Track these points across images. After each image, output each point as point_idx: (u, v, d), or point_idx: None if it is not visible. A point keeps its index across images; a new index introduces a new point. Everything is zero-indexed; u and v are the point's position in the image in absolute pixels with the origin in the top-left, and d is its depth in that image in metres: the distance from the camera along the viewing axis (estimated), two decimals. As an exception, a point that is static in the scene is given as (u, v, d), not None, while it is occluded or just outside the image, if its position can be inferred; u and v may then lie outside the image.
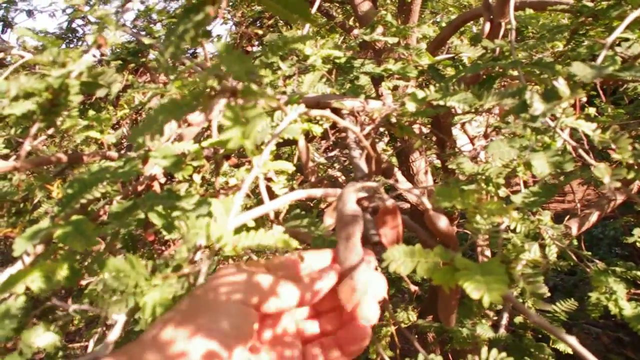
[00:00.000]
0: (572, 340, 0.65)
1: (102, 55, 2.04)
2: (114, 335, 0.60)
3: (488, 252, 1.93)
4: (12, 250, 0.79)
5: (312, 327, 0.61)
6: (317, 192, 0.70)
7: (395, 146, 2.22)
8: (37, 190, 1.06)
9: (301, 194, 0.69)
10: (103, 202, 1.05)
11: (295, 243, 0.66)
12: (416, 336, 2.73)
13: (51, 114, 0.58)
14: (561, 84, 0.65)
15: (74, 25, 2.31)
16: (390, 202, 0.75)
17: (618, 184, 0.76)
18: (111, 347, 0.60)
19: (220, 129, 1.12)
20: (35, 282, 0.69)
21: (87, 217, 0.79)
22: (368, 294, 0.59)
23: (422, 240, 0.86)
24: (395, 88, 1.59)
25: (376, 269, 0.67)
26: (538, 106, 0.66)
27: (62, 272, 0.72)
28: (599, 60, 0.76)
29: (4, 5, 2.77)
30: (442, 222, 0.74)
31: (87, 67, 0.62)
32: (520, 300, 1.49)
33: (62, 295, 2.27)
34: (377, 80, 1.66)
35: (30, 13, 2.99)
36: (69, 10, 2.38)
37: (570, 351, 1.77)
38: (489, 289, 0.58)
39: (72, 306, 0.73)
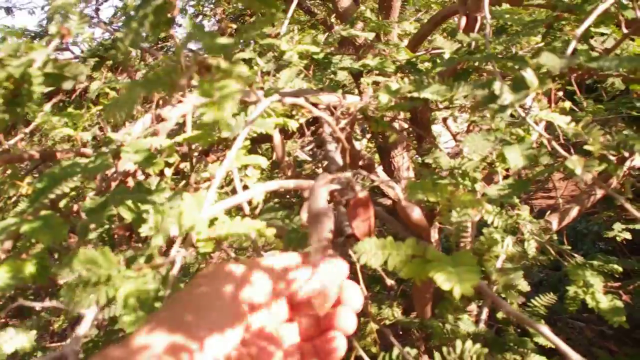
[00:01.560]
0: (545, 329, 0.65)
1: (82, 52, 2.03)
2: (82, 329, 0.59)
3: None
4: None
5: (293, 332, 0.59)
6: (290, 184, 0.70)
7: (376, 144, 2.22)
8: (7, 187, 1.05)
9: (274, 185, 0.68)
10: (77, 199, 1.04)
11: (271, 232, 0.65)
12: (400, 332, 2.73)
13: (13, 104, 0.57)
14: (529, 74, 0.65)
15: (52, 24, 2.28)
16: (362, 194, 0.75)
17: (590, 175, 0.76)
18: (80, 342, 0.59)
19: (195, 125, 1.11)
20: (1, 278, 0.68)
21: (57, 212, 0.78)
22: (345, 305, 0.58)
23: (396, 233, 0.86)
24: (376, 84, 1.59)
25: (354, 275, 0.65)
26: (507, 96, 0.66)
27: (29, 269, 0.70)
28: (569, 50, 0.76)
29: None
30: (415, 213, 0.74)
31: (51, 58, 0.61)
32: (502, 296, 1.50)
33: (44, 295, 2.24)
34: (357, 76, 1.66)
35: (9, 10, 2.95)
36: (47, 8, 2.36)
37: (552, 345, 1.79)
38: (459, 280, 0.58)
39: (39, 304, 0.72)
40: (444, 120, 2.19)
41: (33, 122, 1.51)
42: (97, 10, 1.94)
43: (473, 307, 2.35)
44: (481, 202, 0.75)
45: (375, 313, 2.94)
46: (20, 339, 0.89)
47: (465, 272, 0.60)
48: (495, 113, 0.67)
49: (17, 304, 0.75)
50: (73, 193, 0.96)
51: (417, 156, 2.28)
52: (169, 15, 0.52)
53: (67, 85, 0.66)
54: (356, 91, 1.83)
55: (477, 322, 1.64)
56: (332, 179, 0.74)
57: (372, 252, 0.66)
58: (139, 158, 0.84)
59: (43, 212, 0.76)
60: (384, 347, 1.77)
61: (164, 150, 0.92)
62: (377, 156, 2.44)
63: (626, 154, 0.74)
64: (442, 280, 0.59)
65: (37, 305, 0.67)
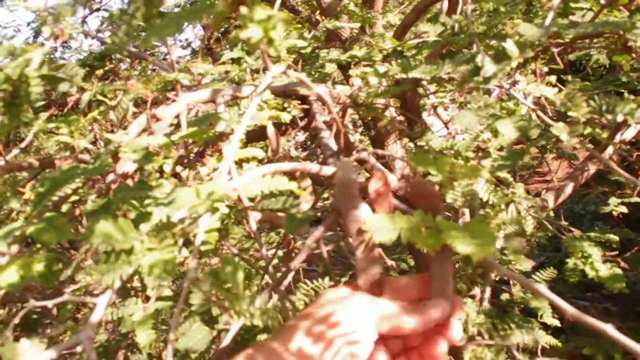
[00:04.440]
0: (541, 287, 0.67)
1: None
2: (96, 316, 0.61)
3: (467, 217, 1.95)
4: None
5: (397, 342, 0.65)
6: (287, 166, 0.72)
7: (370, 135, 2.24)
8: (10, 196, 1.06)
9: (270, 168, 0.70)
10: (78, 204, 1.05)
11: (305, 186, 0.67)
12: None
13: (13, 106, 0.59)
14: (509, 44, 0.67)
15: (40, 39, 2.30)
16: (378, 171, 0.77)
17: (575, 140, 0.78)
18: (94, 328, 0.60)
19: (189, 124, 1.13)
20: (8, 277, 0.69)
21: (60, 214, 0.80)
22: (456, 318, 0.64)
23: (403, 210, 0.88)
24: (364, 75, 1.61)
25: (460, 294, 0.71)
26: (489, 67, 0.68)
27: (38, 267, 0.72)
28: (547, 21, 0.78)
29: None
30: (428, 185, 0.75)
31: (47, 60, 0.63)
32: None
33: (50, 308, 2.25)
34: (345, 68, 1.68)
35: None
36: (33, 25, 2.37)
37: (558, 323, 1.81)
38: (477, 245, 0.59)
39: (51, 301, 0.73)
40: (434, 108, 2.21)
41: (28, 135, 1.53)
42: (84, 20, 1.96)
43: (477, 291, 2.37)
44: (481, 170, 0.77)
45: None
46: (37, 349, 0.89)
47: (480, 237, 0.61)
48: (480, 85, 0.69)
49: (30, 306, 0.76)
50: (75, 197, 0.98)
51: (409, 145, 2.29)
52: (158, 8, 0.53)
53: (64, 87, 0.68)
54: (346, 83, 1.85)
55: (480, 302, 1.66)
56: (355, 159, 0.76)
57: (384, 228, 0.66)
58: (137, 157, 0.86)
59: (47, 214, 0.78)
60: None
61: (162, 148, 0.93)
62: (370, 148, 2.46)
63: (609, 117, 0.76)
64: (462, 246, 0.59)
65: (50, 304, 0.68)
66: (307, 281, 1.43)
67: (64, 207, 1.03)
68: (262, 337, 1.19)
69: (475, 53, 0.72)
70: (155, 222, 0.68)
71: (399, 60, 0.88)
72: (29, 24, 2.47)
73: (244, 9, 0.47)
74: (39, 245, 0.86)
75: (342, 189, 0.69)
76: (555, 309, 0.64)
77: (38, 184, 0.84)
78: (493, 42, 1.06)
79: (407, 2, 2.83)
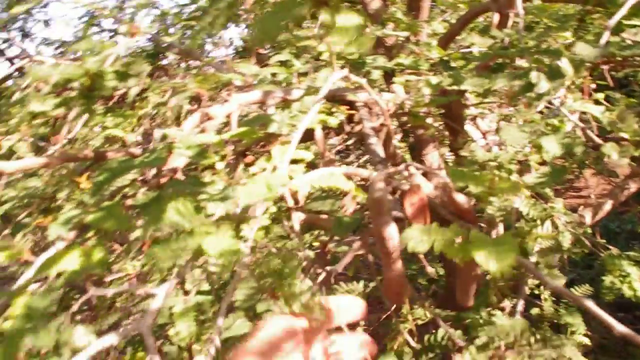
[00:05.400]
0: (589, 303, 0.68)
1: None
2: (156, 304, 0.64)
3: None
4: (45, 239, 0.84)
5: None
6: (340, 171, 0.74)
7: (408, 142, 2.25)
8: (66, 185, 1.11)
9: (324, 172, 0.72)
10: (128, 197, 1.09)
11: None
12: (433, 331, 2.74)
13: (89, 97, 0.62)
14: (564, 63, 0.68)
15: (89, 32, 2.37)
16: (414, 183, 0.79)
17: (626, 160, 0.78)
18: (153, 317, 0.63)
19: (240, 123, 1.16)
20: (72, 263, 0.73)
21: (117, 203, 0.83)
22: None
23: (442, 218, 0.89)
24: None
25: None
26: (543, 85, 0.69)
27: (98, 255, 0.75)
28: (602, 41, 0.79)
29: (22, 16, 2.86)
30: (462, 198, 0.77)
31: (119, 57, 0.66)
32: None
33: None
34: (389, 76, 1.69)
35: (46, 23, 3.07)
36: (84, 19, 2.44)
37: (587, 342, 1.79)
38: (498, 258, 0.61)
39: (111, 290, 0.76)
40: (473, 119, 2.21)
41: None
42: (132, 18, 2.02)
43: (507, 304, 2.36)
44: (520, 187, 0.78)
45: (407, 312, 2.96)
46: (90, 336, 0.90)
47: (503, 251, 0.63)
48: (532, 102, 0.71)
49: (89, 294, 0.79)
50: (127, 189, 1.02)
51: (448, 154, 2.30)
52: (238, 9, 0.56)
53: (132, 82, 0.71)
54: (388, 90, 1.86)
55: (512, 315, 1.66)
56: (390, 172, 0.79)
57: (418, 238, 0.69)
58: (192, 153, 0.89)
59: (105, 203, 0.82)
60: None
61: (214, 146, 0.96)
62: (407, 156, 2.47)
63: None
64: (481, 257, 0.62)
65: (109, 293, 0.72)
66: (342, 284, 1.45)
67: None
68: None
69: (529, 69, 0.73)
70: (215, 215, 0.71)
71: (450, 72, 0.90)
72: (80, 18, 2.54)
73: (324, 15, 0.49)
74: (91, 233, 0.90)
75: (373, 208, 0.72)
76: (597, 325, 0.65)
77: (96, 174, 0.88)
78: (542, 57, 1.07)
79: (451, 10, 2.83)
